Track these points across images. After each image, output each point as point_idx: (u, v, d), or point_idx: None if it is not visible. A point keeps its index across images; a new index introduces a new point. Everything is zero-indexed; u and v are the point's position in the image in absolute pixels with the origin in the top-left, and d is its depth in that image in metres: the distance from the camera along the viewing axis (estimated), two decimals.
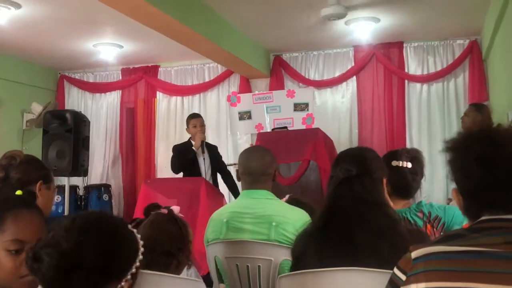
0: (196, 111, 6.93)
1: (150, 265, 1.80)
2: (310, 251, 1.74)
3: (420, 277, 1.14)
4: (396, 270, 1.22)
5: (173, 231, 1.96)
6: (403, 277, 1.18)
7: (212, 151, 5.06)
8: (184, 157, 4.82)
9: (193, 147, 4.83)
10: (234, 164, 5.42)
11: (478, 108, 4.96)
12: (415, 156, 2.40)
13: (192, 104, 7.17)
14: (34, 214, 1.48)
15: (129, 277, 1.14)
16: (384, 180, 1.87)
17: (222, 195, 4.42)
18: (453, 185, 1.29)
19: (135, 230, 1.24)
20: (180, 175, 4.93)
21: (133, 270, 1.15)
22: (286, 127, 5.84)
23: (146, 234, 1.91)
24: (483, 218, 1.20)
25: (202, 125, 4.96)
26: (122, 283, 1.12)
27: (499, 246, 1.12)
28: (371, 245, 1.63)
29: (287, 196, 2.61)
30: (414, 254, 1.18)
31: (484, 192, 1.20)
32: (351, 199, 1.72)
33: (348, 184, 1.76)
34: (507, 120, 3.86)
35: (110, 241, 1.13)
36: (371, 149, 1.98)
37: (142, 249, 1.19)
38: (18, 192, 1.92)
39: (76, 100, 7.61)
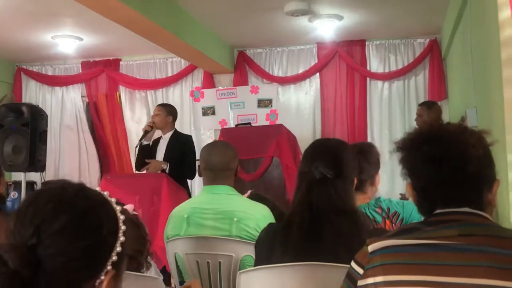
0: None
1: None
2: (277, 252, 1.72)
3: (377, 270, 1.15)
4: (353, 264, 1.23)
5: (130, 234, 1.92)
6: (361, 271, 1.19)
7: (178, 142, 4.72)
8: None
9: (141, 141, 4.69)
10: (197, 160, 5.37)
11: (429, 106, 5.08)
12: (366, 150, 2.40)
13: (155, 98, 7.06)
14: None
15: (109, 267, 0.91)
16: (355, 180, 1.87)
17: (184, 191, 4.37)
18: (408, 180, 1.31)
19: (113, 200, 0.98)
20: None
21: (114, 258, 0.92)
22: (249, 123, 5.83)
23: None
24: (437, 211, 1.22)
25: (154, 114, 4.77)
26: (102, 277, 0.91)
27: (453, 239, 1.13)
28: (334, 250, 1.63)
29: (248, 192, 2.60)
30: (370, 247, 1.19)
31: (436, 189, 1.22)
32: (325, 205, 1.71)
33: (323, 187, 1.73)
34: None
35: (74, 234, 0.88)
36: (348, 146, 1.94)
37: (123, 227, 0.95)
38: None
39: (34, 93, 7.38)
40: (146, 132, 4.68)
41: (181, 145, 4.70)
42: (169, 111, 4.78)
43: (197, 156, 6.00)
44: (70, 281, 0.88)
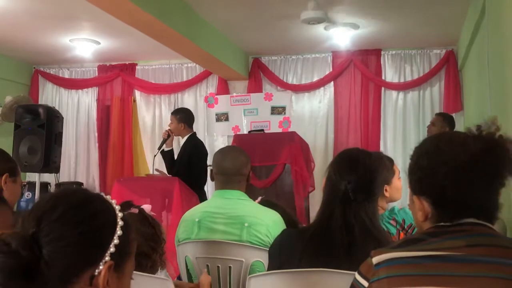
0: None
1: None
2: (295, 262, 1.69)
3: (383, 283, 1.13)
4: (357, 276, 1.20)
5: (145, 231, 1.94)
6: (366, 284, 1.17)
7: (187, 149, 4.79)
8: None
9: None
10: (209, 165, 5.37)
11: (445, 118, 5.03)
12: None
13: (169, 103, 7.11)
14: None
15: (107, 258, 0.96)
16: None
17: (196, 195, 4.38)
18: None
19: (113, 201, 1.05)
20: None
21: (112, 249, 0.97)
22: (262, 130, 5.83)
23: None
24: (442, 224, 1.19)
25: (170, 123, 4.92)
26: (100, 267, 0.95)
27: (461, 250, 1.12)
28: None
29: (259, 198, 2.60)
30: (375, 259, 1.16)
31: (453, 200, 1.18)
32: (359, 229, 1.66)
33: (357, 209, 1.69)
34: None
35: (70, 222, 0.95)
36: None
37: (121, 223, 1.01)
38: None
39: (50, 95, 7.47)
40: (164, 140, 4.84)
41: (190, 151, 4.77)
42: (179, 118, 4.85)
43: (208, 162, 6.09)
44: (68, 266, 0.94)
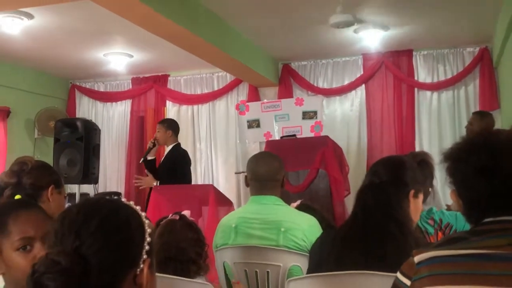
0: (205, 120, 7.11)
1: (173, 274, 1.82)
2: (330, 259, 1.71)
3: (425, 281, 1.13)
4: (399, 275, 1.21)
5: (191, 237, 1.99)
6: (408, 282, 1.17)
7: (172, 156, 4.93)
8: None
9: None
10: (243, 172, 5.41)
11: (482, 116, 4.93)
12: (422, 159, 2.37)
13: (201, 113, 7.20)
14: (32, 212, 1.53)
15: (145, 256, 1.04)
16: (421, 196, 1.81)
17: (230, 202, 4.41)
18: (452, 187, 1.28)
19: (131, 202, 1.11)
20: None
21: (146, 247, 1.04)
22: (294, 135, 5.83)
23: (165, 243, 1.94)
24: (486, 220, 1.19)
25: (156, 131, 5.03)
26: (141, 265, 1.02)
27: (503, 248, 1.10)
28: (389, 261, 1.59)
29: (298, 201, 2.60)
30: (417, 258, 1.17)
31: (485, 200, 1.19)
32: (377, 211, 1.67)
33: (374, 191, 1.70)
34: None
35: (108, 231, 1.00)
36: (411, 159, 1.88)
37: (147, 221, 1.08)
38: (17, 197, 1.96)
39: (86, 109, 7.68)
40: (149, 149, 4.99)
41: (175, 158, 4.92)
42: (167, 126, 5.00)
43: (242, 169, 6.11)
44: (116, 271, 1.00)
